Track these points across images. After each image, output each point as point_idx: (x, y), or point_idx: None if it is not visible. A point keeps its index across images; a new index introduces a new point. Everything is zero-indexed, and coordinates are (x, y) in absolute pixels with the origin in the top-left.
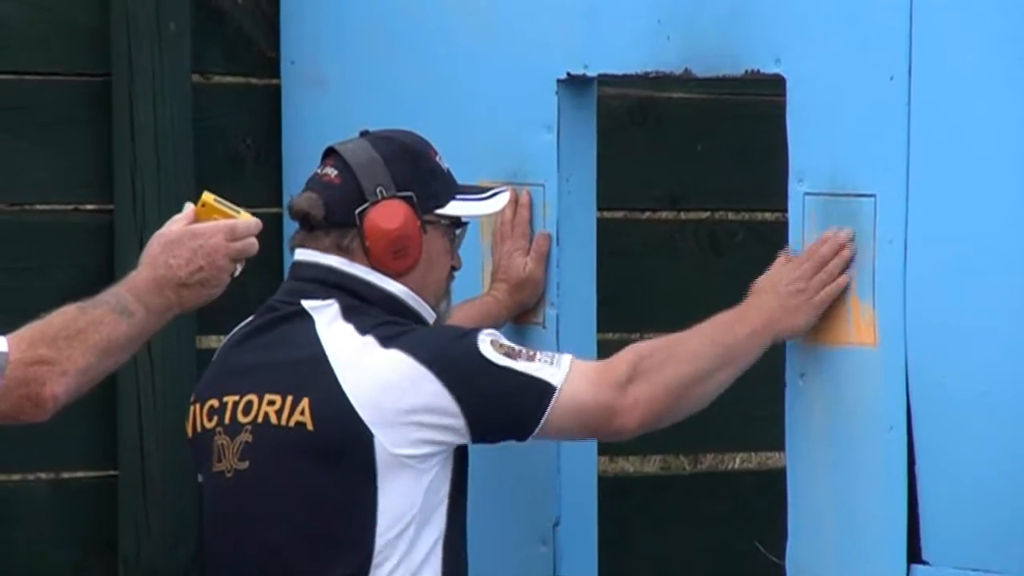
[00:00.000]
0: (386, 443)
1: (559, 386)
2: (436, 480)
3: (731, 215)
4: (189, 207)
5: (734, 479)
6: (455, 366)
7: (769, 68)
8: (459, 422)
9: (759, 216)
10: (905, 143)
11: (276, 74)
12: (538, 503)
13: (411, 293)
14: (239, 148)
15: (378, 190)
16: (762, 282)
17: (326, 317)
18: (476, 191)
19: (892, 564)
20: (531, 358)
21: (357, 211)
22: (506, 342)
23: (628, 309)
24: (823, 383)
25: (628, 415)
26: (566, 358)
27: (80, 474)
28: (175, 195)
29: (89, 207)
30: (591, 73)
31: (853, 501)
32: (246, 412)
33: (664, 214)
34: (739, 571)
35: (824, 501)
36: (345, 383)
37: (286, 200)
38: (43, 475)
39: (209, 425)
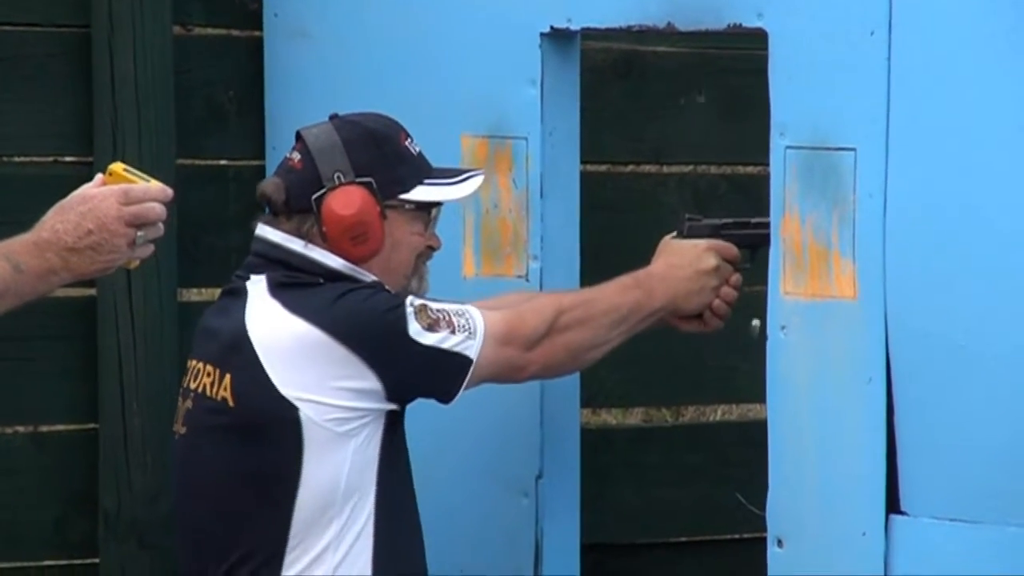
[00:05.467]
0: (311, 414)
1: (475, 358)
2: (361, 451)
3: (713, 169)
4: (98, 177)
5: (715, 431)
6: (375, 341)
7: (751, 22)
8: (375, 385)
9: (741, 170)
10: (885, 97)
11: (258, 26)
12: (520, 456)
13: (351, 266)
14: (221, 101)
15: (336, 176)
16: (682, 254)
17: (257, 292)
18: (448, 174)
19: (871, 514)
20: (451, 327)
21: (314, 197)
22: (433, 307)
23: (611, 262)
24: (804, 336)
25: (529, 369)
26: (480, 323)
27: (60, 428)
28: (156, 148)
29: (69, 159)
30: (574, 27)
31: (833, 452)
32: (195, 378)
33: (647, 168)
34: (721, 522)
35: (804, 453)
36: (265, 359)
37: (268, 153)
38: (21, 428)
39: (183, 383)
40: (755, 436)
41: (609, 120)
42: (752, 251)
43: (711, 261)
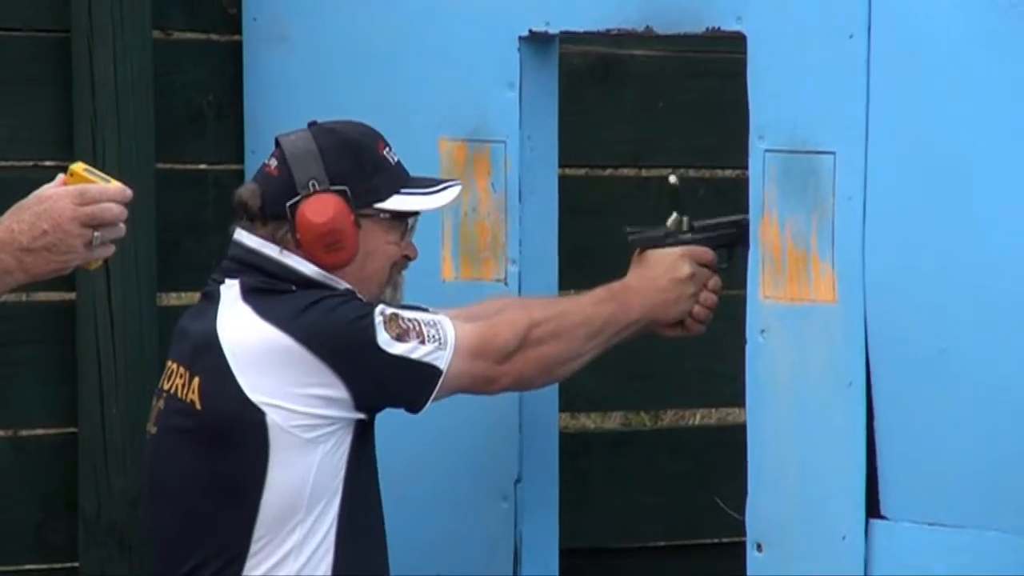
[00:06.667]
0: (278, 419)
1: (445, 370)
2: (329, 458)
3: (692, 172)
4: (59, 177)
5: (694, 435)
6: (343, 350)
7: (730, 26)
8: (343, 393)
9: (720, 173)
10: (864, 101)
11: (238, 30)
12: (499, 460)
13: (324, 273)
14: (200, 105)
15: (311, 183)
16: (656, 264)
17: (230, 296)
18: (425, 184)
19: (851, 518)
20: (421, 338)
21: (288, 204)
22: (404, 316)
23: (590, 266)
24: (783, 340)
25: (500, 382)
26: (451, 334)
27: (40, 431)
28: (135, 151)
29: (49, 163)
30: (553, 30)
31: (812, 457)
32: (168, 378)
33: (626, 171)
34: (699, 527)
35: (784, 457)
36: (233, 363)
37: (247, 156)
38: (0, 432)
39: (159, 383)
40: (734, 440)
41: (588, 123)
42: (729, 250)
43: (685, 268)
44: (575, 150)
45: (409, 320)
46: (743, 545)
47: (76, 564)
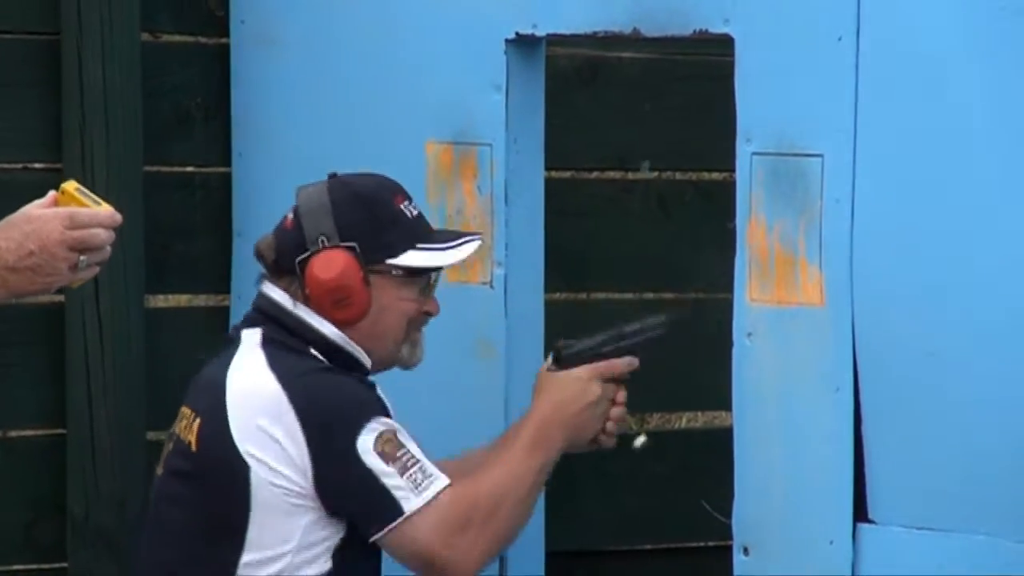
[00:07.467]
0: (261, 475)
1: (408, 514)
2: (312, 531)
3: (679, 175)
4: (51, 194)
5: (681, 439)
6: (324, 427)
7: (718, 28)
8: (308, 470)
9: (707, 176)
10: (853, 104)
11: (225, 33)
12: None
13: (343, 336)
14: (188, 107)
15: (320, 239)
16: (566, 389)
17: (249, 342)
18: (444, 238)
19: (839, 523)
20: (404, 470)
21: (298, 259)
22: (398, 439)
23: (576, 269)
24: (770, 343)
25: (458, 568)
26: (434, 489)
27: (28, 433)
28: (123, 154)
29: (38, 166)
30: (539, 33)
31: (800, 461)
32: (179, 421)
33: (612, 174)
34: (686, 530)
35: (771, 461)
36: (230, 407)
37: (235, 159)
38: None
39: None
40: (721, 444)
41: (574, 126)
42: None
43: (595, 391)
44: (561, 153)
45: (405, 452)
46: (730, 549)
47: (65, 565)
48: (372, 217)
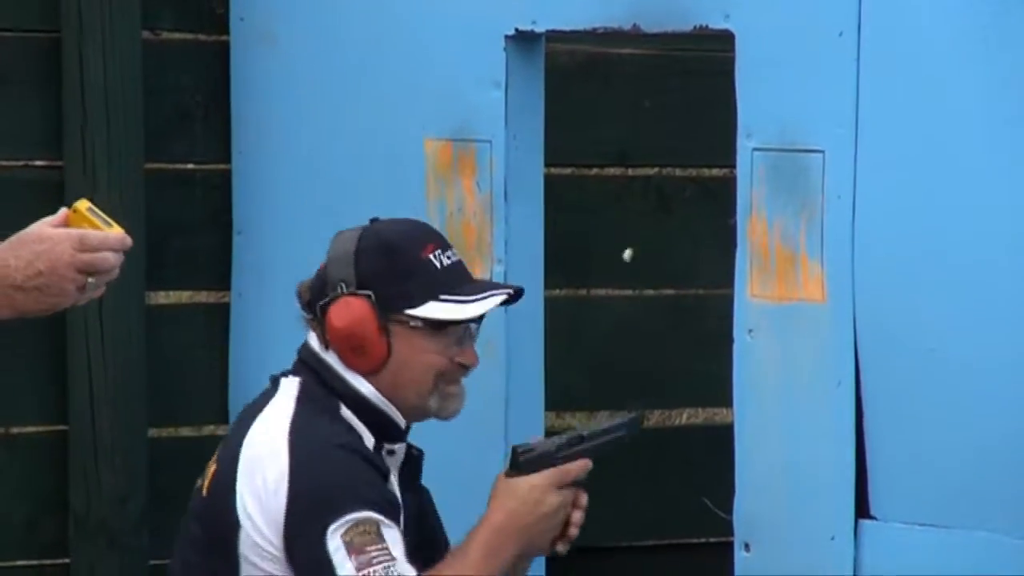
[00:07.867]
0: (252, 536)
1: None
2: None
3: (679, 171)
4: (62, 211)
5: (681, 435)
6: (306, 494)
7: (718, 24)
8: (281, 539)
9: (707, 172)
10: (854, 99)
11: (225, 31)
12: (485, 460)
13: (379, 395)
14: (188, 105)
15: (340, 285)
16: (521, 498)
17: (285, 393)
18: (472, 290)
19: (840, 519)
20: (365, 566)
21: (319, 304)
22: (377, 533)
23: (576, 266)
24: (771, 339)
25: None
26: None
27: (30, 429)
28: (124, 151)
29: (39, 163)
30: (539, 29)
31: (801, 457)
32: (214, 453)
33: (612, 170)
34: (687, 527)
35: (772, 457)
36: (242, 460)
37: (235, 156)
38: None
39: None
40: (722, 440)
41: (574, 122)
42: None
43: (552, 500)
44: (561, 149)
45: (378, 549)
46: (731, 545)
47: (67, 561)
48: (391, 266)
